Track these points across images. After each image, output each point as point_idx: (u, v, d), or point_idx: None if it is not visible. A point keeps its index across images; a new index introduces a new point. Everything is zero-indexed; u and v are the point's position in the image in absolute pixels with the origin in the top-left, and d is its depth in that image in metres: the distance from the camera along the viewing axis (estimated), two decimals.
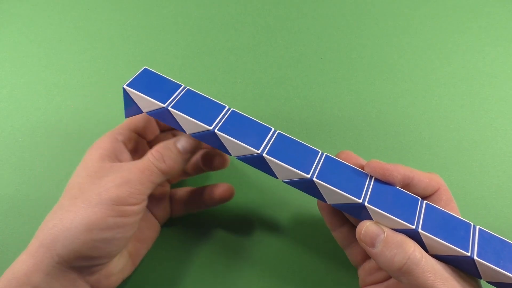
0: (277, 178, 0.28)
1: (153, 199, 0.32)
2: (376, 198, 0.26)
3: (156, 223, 0.33)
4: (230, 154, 0.28)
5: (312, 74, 0.43)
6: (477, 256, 0.24)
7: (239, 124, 0.28)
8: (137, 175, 0.26)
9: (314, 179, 0.26)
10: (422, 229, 0.25)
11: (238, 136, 0.27)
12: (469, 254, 0.24)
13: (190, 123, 0.28)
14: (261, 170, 0.28)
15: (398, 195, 0.27)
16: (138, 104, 0.29)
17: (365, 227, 0.26)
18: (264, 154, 0.27)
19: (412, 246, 0.24)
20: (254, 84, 0.42)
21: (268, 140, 0.28)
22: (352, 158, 0.29)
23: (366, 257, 0.30)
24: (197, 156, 0.33)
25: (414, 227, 0.25)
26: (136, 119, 0.31)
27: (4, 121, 0.39)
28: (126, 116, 0.31)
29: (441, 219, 0.26)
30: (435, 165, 0.38)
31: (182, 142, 0.28)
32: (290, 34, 0.45)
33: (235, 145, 0.27)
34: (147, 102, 0.29)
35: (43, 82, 0.42)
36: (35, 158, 0.37)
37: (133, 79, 0.29)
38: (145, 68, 0.30)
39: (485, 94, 0.42)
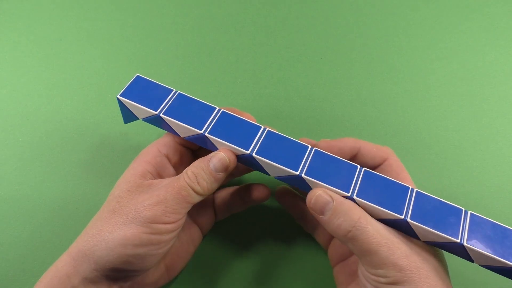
0: (269, 175, 0.29)
1: (198, 208, 0.32)
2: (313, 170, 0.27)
3: (198, 235, 0.32)
4: None
5: (312, 74, 0.43)
6: (411, 218, 0.25)
7: (229, 125, 0.29)
8: (173, 195, 0.26)
9: (303, 175, 0.27)
10: (357, 195, 0.26)
11: (228, 138, 0.28)
12: (402, 216, 0.25)
13: (182, 128, 0.29)
14: (253, 168, 0.29)
15: (338, 166, 0.27)
16: (133, 112, 0.30)
17: (315, 196, 0.26)
18: (253, 154, 0.27)
19: (358, 214, 0.25)
20: (254, 84, 0.42)
21: (258, 139, 0.28)
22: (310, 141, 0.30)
23: (332, 237, 0.31)
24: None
25: (349, 194, 0.26)
26: None
27: (4, 121, 0.39)
28: (125, 122, 0.32)
29: (380, 185, 0.27)
30: (435, 165, 0.38)
31: (214, 162, 0.27)
32: (290, 34, 0.45)
33: (226, 147, 0.28)
34: (140, 110, 0.30)
35: (43, 82, 0.42)
36: (35, 158, 0.37)
37: (126, 88, 0.30)
38: (137, 76, 0.31)
39: (485, 94, 0.42)
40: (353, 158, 0.29)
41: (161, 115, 0.29)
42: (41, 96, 0.41)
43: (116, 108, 0.40)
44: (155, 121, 0.30)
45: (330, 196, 0.26)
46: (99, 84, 0.42)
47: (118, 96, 0.30)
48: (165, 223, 0.26)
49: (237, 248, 0.34)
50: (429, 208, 0.26)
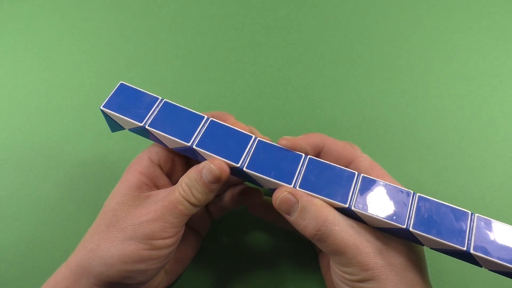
0: (262, 187, 0.28)
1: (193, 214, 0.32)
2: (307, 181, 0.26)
3: (196, 240, 0.32)
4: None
5: (312, 74, 0.43)
6: (413, 227, 0.24)
7: (218, 136, 0.27)
8: (170, 210, 0.26)
9: (297, 188, 0.26)
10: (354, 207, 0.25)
11: (217, 150, 0.27)
12: (404, 226, 0.25)
13: (168, 140, 0.28)
14: (245, 180, 0.28)
15: (334, 174, 0.26)
16: (118, 122, 0.29)
17: (280, 198, 0.26)
18: (244, 168, 0.26)
19: (324, 215, 0.25)
20: (254, 84, 0.42)
21: (248, 151, 0.27)
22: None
23: None
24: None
25: (347, 206, 0.25)
26: None
27: (4, 121, 0.39)
28: (112, 131, 0.31)
29: (380, 191, 0.26)
30: (435, 165, 0.38)
31: (205, 173, 0.26)
32: (290, 34, 0.45)
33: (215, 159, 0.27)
34: (125, 121, 0.28)
35: (43, 82, 0.42)
36: (35, 158, 0.37)
37: (109, 97, 0.29)
38: (121, 83, 0.30)
39: (485, 94, 0.42)
40: (317, 157, 0.28)
41: (146, 127, 0.28)
42: (41, 96, 0.41)
43: None
44: (141, 132, 0.29)
45: (295, 197, 0.25)
46: (99, 84, 0.42)
47: (101, 107, 0.28)
48: (164, 238, 0.26)
49: (237, 248, 0.34)
50: (432, 214, 0.25)
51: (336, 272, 0.26)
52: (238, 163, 0.26)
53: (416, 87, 0.42)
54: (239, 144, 0.27)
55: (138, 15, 0.47)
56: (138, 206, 0.27)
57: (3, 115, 0.40)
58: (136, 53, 0.44)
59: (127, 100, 0.29)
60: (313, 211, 0.25)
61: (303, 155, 0.27)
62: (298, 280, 0.33)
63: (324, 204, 0.25)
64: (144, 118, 0.28)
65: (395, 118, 0.40)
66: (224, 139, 0.27)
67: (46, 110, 0.40)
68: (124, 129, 0.29)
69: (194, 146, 0.27)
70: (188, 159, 0.32)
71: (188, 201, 0.26)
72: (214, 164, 0.26)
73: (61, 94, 0.41)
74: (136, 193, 0.28)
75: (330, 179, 0.26)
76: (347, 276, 0.25)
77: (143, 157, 0.29)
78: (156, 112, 0.28)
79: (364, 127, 0.40)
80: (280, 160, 0.27)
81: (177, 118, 0.28)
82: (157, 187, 0.29)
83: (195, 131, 0.28)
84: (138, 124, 0.28)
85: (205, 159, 0.27)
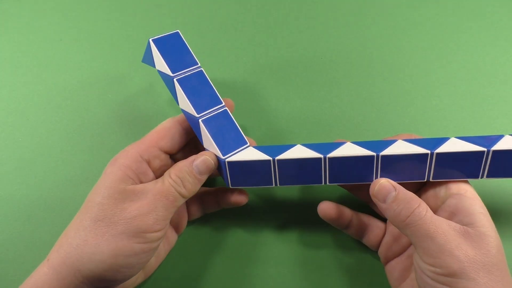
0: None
1: None
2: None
3: (172, 235, 0.33)
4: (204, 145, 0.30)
5: (312, 74, 0.43)
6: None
7: (223, 125, 0.30)
8: (162, 202, 0.27)
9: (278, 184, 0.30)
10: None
11: (215, 136, 0.29)
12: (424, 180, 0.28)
13: (184, 101, 0.30)
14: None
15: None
16: (154, 59, 0.32)
17: (379, 185, 0.28)
18: (226, 160, 0.29)
19: (417, 203, 0.26)
20: (254, 85, 0.42)
21: (238, 152, 0.29)
22: None
23: (382, 237, 0.32)
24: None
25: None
26: (162, 135, 0.30)
27: (4, 121, 0.39)
28: (143, 61, 0.33)
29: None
30: None
31: (197, 164, 0.28)
32: (290, 34, 0.45)
33: (209, 142, 0.29)
34: (161, 63, 0.31)
35: (43, 82, 0.42)
36: (35, 158, 0.37)
37: (162, 36, 0.32)
38: (177, 32, 0.32)
39: (485, 94, 0.42)
40: None
41: (174, 79, 0.30)
42: (41, 96, 0.41)
43: (116, 109, 0.40)
44: (166, 79, 0.31)
45: (393, 186, 0.27)
46: (99, 84, 0.42)
47: (151, 40, 0.31)
48: (156, 231, 0.27)
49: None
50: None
51: (425, 268, 0.25)
52: (223, 156, 0.29)
53: (416, 87, 0.42)
54: (236, 142, 0.30)
55: (138, 15, 0.47)
56: (126, 200, 0.27)
57: (3, 115, 0.40)
58: (136, 53, 0.44)
59: (173, 48, 0.32)
60: (408, 199, 0.27)
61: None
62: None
63: (416, 195, 0.27)
64: (177, 72, 0.31)
65: (396, 118, 0.40)
66: (226, 131, 0.30)
67: (46, 110, 0.40)
68: (154, 67, 0.32)
69: (200, 120, 0.29)
70: (177, 158, 0.32)
71: (179, 192, 0.27)
72: (208, 155, 0.28)
73: (61, 94, 0.41)
74: (122, 186, 0.27)
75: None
76: (438, 270, 0.24)
77: (131, 151, 0.29)
78: (188, 73, 0.31)
79: (364, 127, 0.40)
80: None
81: (201, 89, 0.31)
82: (142, 182, 0.29)
83: (208, 109, 0.30)
84: (169, 73, 0.30)
85: (201, 137, 0.30)
